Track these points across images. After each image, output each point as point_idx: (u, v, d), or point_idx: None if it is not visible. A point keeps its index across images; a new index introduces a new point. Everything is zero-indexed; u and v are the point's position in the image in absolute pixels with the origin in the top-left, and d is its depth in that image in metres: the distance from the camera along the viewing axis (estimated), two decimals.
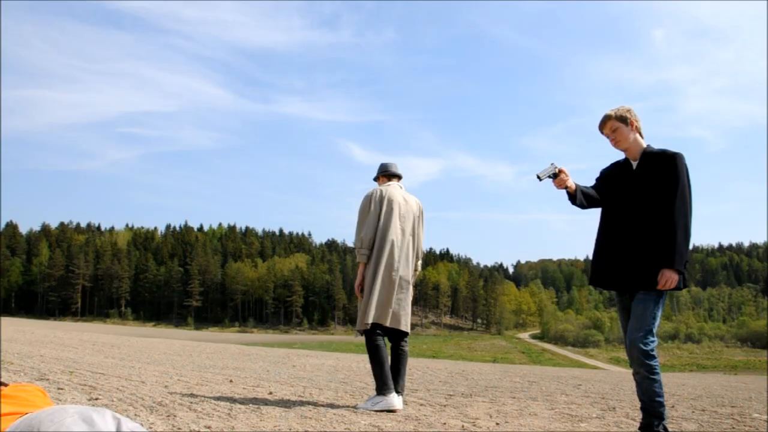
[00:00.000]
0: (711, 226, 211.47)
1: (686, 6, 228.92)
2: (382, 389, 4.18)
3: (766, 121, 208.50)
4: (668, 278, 3.21)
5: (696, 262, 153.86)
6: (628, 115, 3.48)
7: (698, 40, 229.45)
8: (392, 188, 4.56)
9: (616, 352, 73.44)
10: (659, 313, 3.27)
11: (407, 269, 4.48)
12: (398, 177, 4.72)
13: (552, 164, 3.46)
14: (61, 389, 4.48)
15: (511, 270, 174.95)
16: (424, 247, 4.73)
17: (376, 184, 4.74)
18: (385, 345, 4.38)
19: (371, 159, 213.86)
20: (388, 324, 4.36)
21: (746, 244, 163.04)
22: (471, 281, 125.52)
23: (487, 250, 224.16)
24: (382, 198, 4.46)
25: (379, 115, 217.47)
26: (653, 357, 3.23)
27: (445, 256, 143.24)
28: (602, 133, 3.56)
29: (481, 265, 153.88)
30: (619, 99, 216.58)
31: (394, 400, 4.15)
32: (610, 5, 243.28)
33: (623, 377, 11.56)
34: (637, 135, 3.50)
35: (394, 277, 4.37)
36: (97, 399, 4.08)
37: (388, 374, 4.22)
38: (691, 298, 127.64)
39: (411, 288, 4.55)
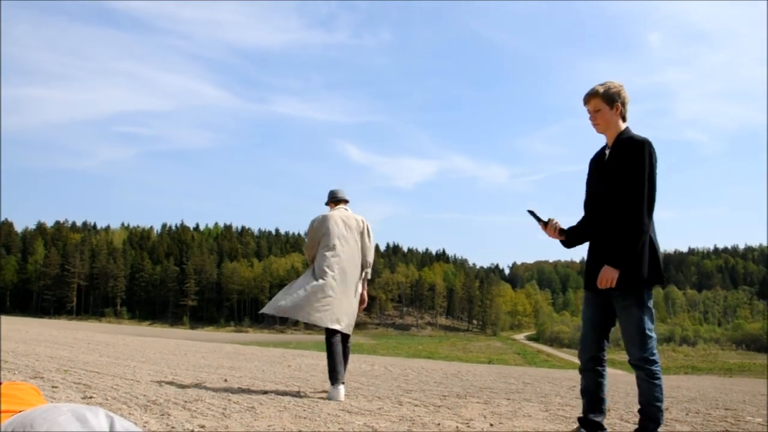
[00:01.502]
0: (706, 228, 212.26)
1: (682, 10, 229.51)
2: (332, 381, 4.87)
3: (766, 124, 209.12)
4: (604, 277, 3.09)
5: (691, 265, 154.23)
6: (616, 97, 3.24)
7: (693, 44, 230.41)
8: (334, 212, 5.20)
9: (611, 354, 72.43)
10: (646, 314, 3.14)
11: (346, 279, 5.02)
12: (345, 201, 5.36)
13: (548, 219, 3.49)
14: (56, 388, 4.47)
15: (507, 271, 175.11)
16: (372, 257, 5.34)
17: (337, 207, 5.36)
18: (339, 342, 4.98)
19: (367, 159, 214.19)
20: (337, 326, 4.95)
21: (742, 246, 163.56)
22: (467, 282, 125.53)
23: (483, 251, 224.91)
24: (321, 222, 5.12)
25: (374, 116, 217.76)
26: (654, 362, 3.15)
27: (441, 256, 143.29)
28: (585, 106, 3.33)
29: (477, 266, 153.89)
30: None
31: (340, 392, 4.82)
32: (606, 8, 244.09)
33: (618, 379, 11.59)
34: (620, 119, 3.27)
35: (343, 286, 5.01)
36: (91, 398, 4.07)
37: (337, 365, 4.88)
38: (687, 301, 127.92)
39: (358, 293, 5.18)
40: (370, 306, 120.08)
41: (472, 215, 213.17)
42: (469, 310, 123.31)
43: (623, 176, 3.13)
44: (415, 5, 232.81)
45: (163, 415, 3.53)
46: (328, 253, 4.97)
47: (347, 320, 4.98)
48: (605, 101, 3.25)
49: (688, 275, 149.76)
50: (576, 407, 5.17)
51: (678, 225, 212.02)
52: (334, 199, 5.36)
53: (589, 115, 3.33)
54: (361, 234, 5.20)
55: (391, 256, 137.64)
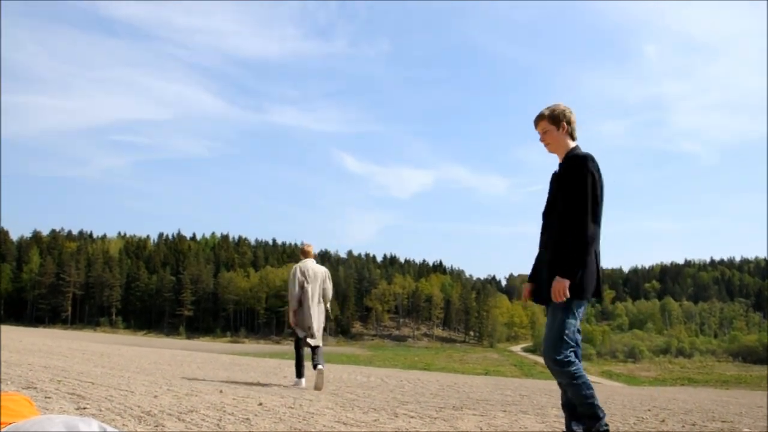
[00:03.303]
0: (702, 240, 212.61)
1: (678, 22, 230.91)
2: (297, 375, 7.31)
3: (766, 136, 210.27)
4: (556, 287, 3.15)
5: (688, 277, 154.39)
6: (561, 117, 3.40)
7: (690, 56, 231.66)
8: (305, 263, 7.39)
9: (608, 365, 73.43)
10: (571, 320, 3.22)
11: (315, 308, 7.21)
12: (310, 254, 7.53)
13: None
14: (49, 398, 4.44)
15: (503, 282, 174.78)
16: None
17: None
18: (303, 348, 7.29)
19: (364, 169, 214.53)
20: (308, 339, 7.14)
21: (738, 258, 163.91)
22: (463, 293, 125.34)
23: (479, 263, 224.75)
24: (300, 272, 7.30)
25: (372, 126, 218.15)
26: (570, 363, 3.21)
27: (438, 267, 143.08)
28: (535, 129, 3.52)
29: (474, 278, 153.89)
30: (611, 112, 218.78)
31: (303, 382, 7.24)
32: (603, 19, 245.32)
33: (614, 391, 11.56)
34: (568, 138, 3.43)
35: (308, 313, 7.16)
36: (85, 408, 4.04)
37: (302, 365, 7.27)
38: (683, 312, 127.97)
39: (322, 317, 7.35)
40: (366, 317, 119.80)
41: (469, 226, 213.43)
42: (465, 322, 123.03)
43: (567, 191, 3.26)
44: (413, 15, 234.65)
45: (157, 426, 3.50)
46: (299, 292, 7.25)
47: (312, 334, 7.18)
48: (552, 122, 3.43)
49: (684, 287, 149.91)
50: None
51: (674, 237, 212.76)
52: (303, 253, 7.57)
53: (539, 137, 3.50)
54: (324, 280, 7.40)
55: (387, 266, 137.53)
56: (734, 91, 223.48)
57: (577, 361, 3.27)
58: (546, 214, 3.48)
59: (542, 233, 3.50)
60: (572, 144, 3.42)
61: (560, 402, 3.47)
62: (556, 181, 3.42)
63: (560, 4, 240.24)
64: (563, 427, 4.52)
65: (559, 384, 3.32)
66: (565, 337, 3.20)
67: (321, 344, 7.18)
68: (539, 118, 3.45)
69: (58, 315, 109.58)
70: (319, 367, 6.84)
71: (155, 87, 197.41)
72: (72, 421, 1.39)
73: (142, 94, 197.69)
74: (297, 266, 7.32)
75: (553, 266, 3.22)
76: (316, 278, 7.27)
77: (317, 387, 6.74)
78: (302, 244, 7.63)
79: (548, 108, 3.45)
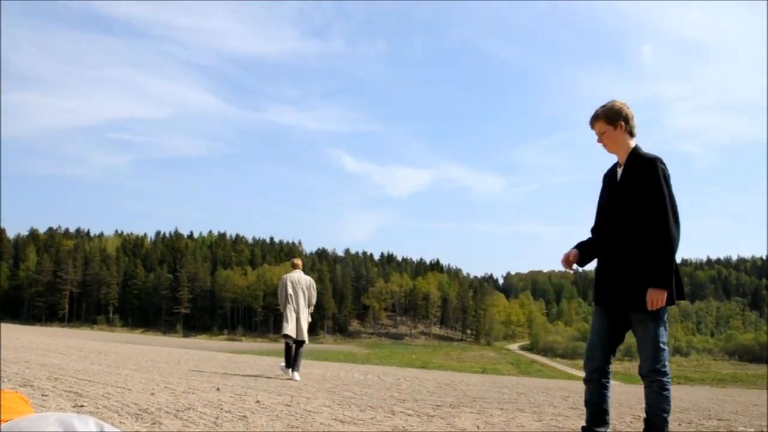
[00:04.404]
0: (699, 239, 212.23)
1: (674, 23, 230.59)
2: (286, 365, 8.60)
3: (766, 137, 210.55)
4: (654, 298, 3.07)
5: (684, 276, 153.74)
6: (618, 116, 3.27)
7: (686, 57, 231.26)
8: (293, 274, 8.86)
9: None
10: (663, 328, 3.18)
11: (300, 311, 8.67)
12: (298, 266, 9.04)
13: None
14: (45, 396, 4.43)
15: (501, 281, 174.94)
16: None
17: None
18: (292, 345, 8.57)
19: (362, 168, 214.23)
20: (295, 336, 8.51)
21: (734, 258, 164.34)
22: (461, 292, 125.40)
23: (477, 261, 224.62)
24: (289, 281, 8.78)
25: (369, 125, 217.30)
26: (665, 373, 3.17)
27: (435, 266, 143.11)
28: (592, 130, 3.40)
29: (471, 276, 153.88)
30: None
31: (290, 373, 8.42)
32: (599, 20, 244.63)
33: (611, 389, 11.57)
34: (627, 137, 3.30)
35: (295, 314, 8.62)
36: (82, 406, 4.03)
37: (290, 359, 8.51)
38: (680, 312, 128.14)
39: (306, 318, 8.74)
40: (363, 315, 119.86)
41: (466, 225, 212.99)
42: (462, 320, 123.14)
43: (640, 196, 3.15)
44: (410, 15, 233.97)
45: (154, 423, 3.50)
46: (287, 298, 8.74)
47: (298, 332, 8.59)
48: (608, 122, 3.29)
49: (681, 285, 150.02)
50: (569, 417, 5.16)
51: None
52: (292, 265, 9.13)
53: (596, 138, 3.38)
54: (308, 287, 8.89)
55: (385, 265, 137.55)
56: (731, 92, 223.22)
57: (669, 372, 3.24)
58: (605, 214, 3.37)
59: (599, 232, 3.39)
60: (633, 143, 3.30)
61: (584, 399, 3.45)
62: (618, 185, 3.29)
63: (557, 5, 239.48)
64: (561, 425, 4.53)
65: (647, 388, 3.24)
66: (662, 345, 3.16)
67: (306, 340, 8.63)
68: (595, 119, 3.34)
69: (55, 313, 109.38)
70: (296, 377, 8.32)
71: (153, 86, 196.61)
72: (67, 419, 1.38)
73: (140, 93, 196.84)
74: (287, 276, 8.85)
75: (642, 274, 3.11)
76: (301, 286, 8.80)
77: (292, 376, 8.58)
78: (293, 259, 9.32)
79: (603, 107, 3.33)
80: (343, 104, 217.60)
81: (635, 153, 3.27)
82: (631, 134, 3.32)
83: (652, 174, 3.13)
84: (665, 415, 3.17)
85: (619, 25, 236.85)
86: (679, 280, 3.23)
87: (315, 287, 8.98)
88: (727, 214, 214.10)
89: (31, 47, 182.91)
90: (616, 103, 3.33)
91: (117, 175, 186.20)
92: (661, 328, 3.17)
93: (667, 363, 3.19)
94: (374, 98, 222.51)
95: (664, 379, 3.16)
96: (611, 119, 3.28)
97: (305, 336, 8.58)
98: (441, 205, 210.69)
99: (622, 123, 3.28)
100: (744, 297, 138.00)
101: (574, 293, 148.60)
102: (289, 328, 8.43)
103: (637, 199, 3.16)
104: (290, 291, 8.67)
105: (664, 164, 3.17)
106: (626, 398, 8.76)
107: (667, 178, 3.14)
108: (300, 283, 8.78)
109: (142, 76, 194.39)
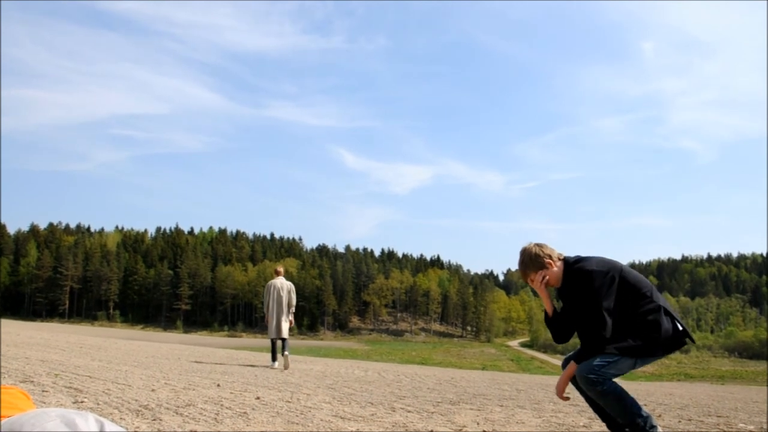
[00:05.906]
0: (700, 236, 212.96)
1: (675, 19, 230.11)
2: (272, 360, 10.26)
3: (766, 133, 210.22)
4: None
5: (685, 272, 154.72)
6: (540, 259, 3.31)
7: (687, 53, 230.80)
8: (275, 281, 10.26)
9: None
10: (615, 363, 3.14)
11: (281, 313, 10.05)
12: (281, 273, 10.43)
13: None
14: (46, 392, 4.44)
15: (501, 278, 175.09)
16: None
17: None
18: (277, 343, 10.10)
19: (362, 165, 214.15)
20: (275, 336, 10.04)
21: (735, 254, 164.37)
22: (461, 288, 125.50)
23: (477, 258, 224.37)
24: (272, 287, 10.19)
25: (370, 122, 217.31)
26: (602, 381, 3.15)
27: (436, 262, 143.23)
28: (527, 282, 3.45)
29: (472, 273, 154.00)
30: (609, 109, 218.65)
31: (275, 364, 10.07)
32: (600, 16, 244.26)
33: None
34: (557, 263, 3.33)
35: (277, 316, 10.05)
36: (82, 402, 4.04)
37: (275, 355, 10.23)
38: (680, 308, 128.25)
39: (287, 319, 10.09)
40: (364, 312, 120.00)
41: (467, 221, 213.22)
42: (463, 317, 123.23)
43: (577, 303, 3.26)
44: (410, 11, 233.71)
45: (154, 420, 3.50)
46: (270, 301, 10.13)
47: (279, 332, 10.01)
48: (539, 268, 3.32)
49: (681, 282, 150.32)
50: (569, 414, 5.17)
51: (671, 233, 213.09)
52: (276, 272, 10.44)
53: (536, 285, 3.38)
54: (288, 292, 10.18)
55: (385, 261, 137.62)
56: (732, 88, 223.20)
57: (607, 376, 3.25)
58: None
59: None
60: (560, 264, 3.34)
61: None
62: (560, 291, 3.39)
63: (558, 2, 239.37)
64: (561, 422, 4.53)
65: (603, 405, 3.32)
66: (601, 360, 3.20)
67: (287, 337, 10.03)
68: (525, 276, 3.40)
69: (55, 309, 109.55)
70: (286, 353, 9.75)
71: (153, 82, 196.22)
72: (69, 415, 1.38)
73: (140, 88, 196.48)
74: (270, 283, 10.28)
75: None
76: (283, 291, 10.16)
77: (285, 367, 9.64)
78: (276, 267, 10.80)
79: (523, 262, 3.37)
80: (343, 100, 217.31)
81: (569, 267, 3.31)
82: (558, 260, 3.34)
83: (587, 286, 3.16)
84: (635, 415, 3.14)
85: (620, 21, 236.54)
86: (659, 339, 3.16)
87: (294, 291, 10.34)
88: (727, 210, 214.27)
89: (31, 43, 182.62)
90: (528, 249, 3.36)
91: (117, 171, 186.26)
92: (610, 361, 3.14)
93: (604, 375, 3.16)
94: (375, 94, 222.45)
95: (602, 387, 3.11)
96: (540, 265, 3.31)
97: (285, 334, 10.03)
98: (442, 202, 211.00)
99: (549, 261, 3.30)
100: (744, 294, 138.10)
101: None
102: (272, 331, 10.05)
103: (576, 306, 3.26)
104: (274, 296, 10.12)
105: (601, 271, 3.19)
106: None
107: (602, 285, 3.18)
108: (282, 288, 10.21)
109: (143, 72, 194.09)
